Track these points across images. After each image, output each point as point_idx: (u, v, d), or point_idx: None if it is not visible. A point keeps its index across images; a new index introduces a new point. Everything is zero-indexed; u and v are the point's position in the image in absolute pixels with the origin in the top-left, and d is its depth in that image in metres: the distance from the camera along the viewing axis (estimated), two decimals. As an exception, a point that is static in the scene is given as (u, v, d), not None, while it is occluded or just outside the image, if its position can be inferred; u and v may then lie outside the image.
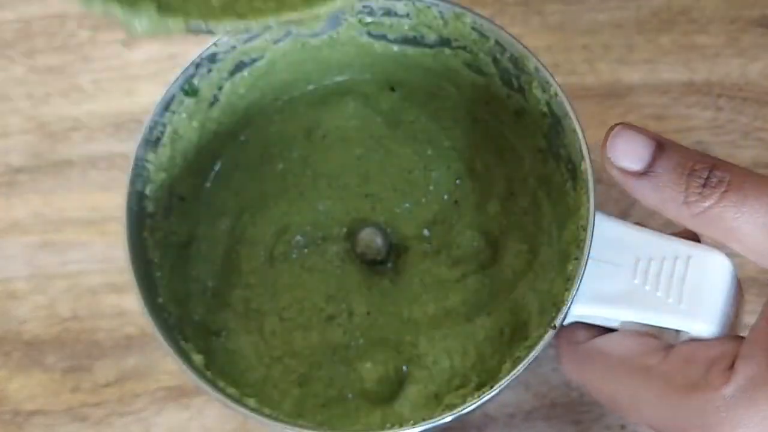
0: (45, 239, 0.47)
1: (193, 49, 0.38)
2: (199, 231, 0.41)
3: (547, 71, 0.37)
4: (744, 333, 0.34)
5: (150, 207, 0.38)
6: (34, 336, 0.45)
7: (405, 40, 0.41)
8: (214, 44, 0.39)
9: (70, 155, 0.49)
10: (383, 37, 0.41)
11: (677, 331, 0.37)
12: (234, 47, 0.39)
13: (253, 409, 0.34)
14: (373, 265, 0.40)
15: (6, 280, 0.46)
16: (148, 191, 0.38)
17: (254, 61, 0.40)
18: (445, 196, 0.41)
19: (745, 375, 0.31)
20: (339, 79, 0.43)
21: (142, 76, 0.50)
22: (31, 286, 0.46)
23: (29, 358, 0.45)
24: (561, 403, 0.43)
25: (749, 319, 0.44)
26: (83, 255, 0.47)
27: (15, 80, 0.51)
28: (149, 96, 0.49)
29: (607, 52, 0.50)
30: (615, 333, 0.35)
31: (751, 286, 0.44)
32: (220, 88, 0.40)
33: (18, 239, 0.47)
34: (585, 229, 0.34)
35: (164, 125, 0.38)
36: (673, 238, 0.36)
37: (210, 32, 0.27)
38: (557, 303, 0.35)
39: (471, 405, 0.34)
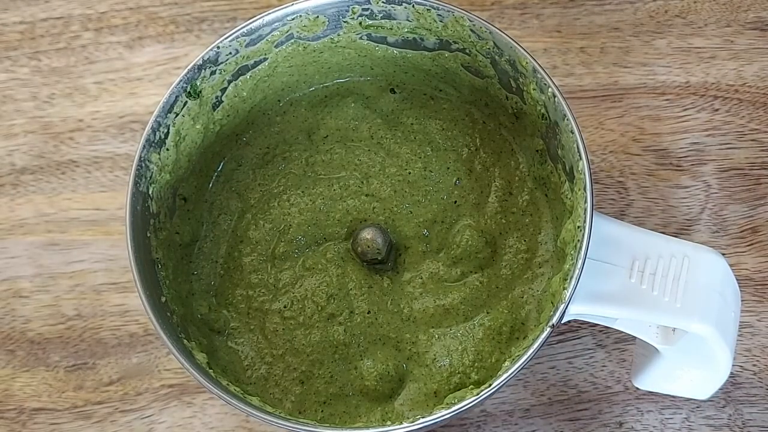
0: (49, 239, 0.47)
1: (196, 51, 0.38)
2: (201, 231, 0.41)
3: (545, 73, 0.37)
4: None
5: (153, 207, 0.38)
6: (38, 334, 0.46)
7: (405, 43, 0.42)
8: (217, 47, 0.39)
9: (74, 156, 0.49)
10: (383, 40, 0.42)
11: (673, 329, 0.37)
12: (236, 50, 0.40)
13: (255, 407, 0.35)
14: (373, 264, 0.40)
15: (11, 279, 0.47)
16: (151, 192, 0.38)
17: (256, 63, 0.41)
18: (445, 196, 0.41)
19: None
20: (340, 81, 0.44)
21: (145, 77, 0.50)
22: (35, 286, 0.46)
23: (33, 356, 0.45)
24: (559, 400, 0.44)
25: (746, 319, 0.44)
26: (87, 254, 0.47)
27: (19, 82, 0.51)
28: (152, 98, 0.50)
29: (604, 55, 0.50)
30: None
31: (747, 286, 0.45)
32: (222, 91, 0.41)
33: (22, 239, 0.47)
34: (582, 229, 0.35)
35: (168, 127, 0.39)
36: (670, 237, 0.36)
37: None
38: (555, 302, 0.35)
39: (470, 402, 0.34)
